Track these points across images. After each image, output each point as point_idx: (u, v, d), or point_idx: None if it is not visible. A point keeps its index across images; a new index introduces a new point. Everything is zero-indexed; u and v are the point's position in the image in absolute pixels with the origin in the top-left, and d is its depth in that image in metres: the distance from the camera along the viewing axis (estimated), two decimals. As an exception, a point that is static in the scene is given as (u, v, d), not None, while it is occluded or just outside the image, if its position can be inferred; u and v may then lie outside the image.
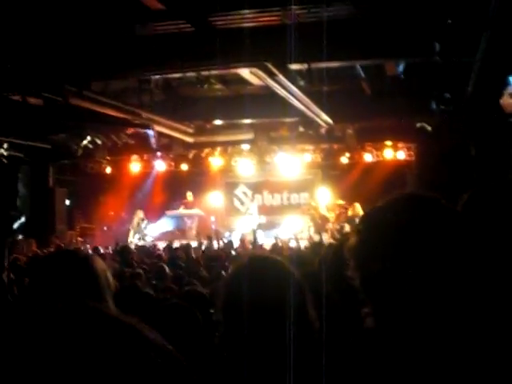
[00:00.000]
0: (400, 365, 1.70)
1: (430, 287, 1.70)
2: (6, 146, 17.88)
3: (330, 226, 19.51)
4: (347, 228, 17.58)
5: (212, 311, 4.34)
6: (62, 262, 2.56)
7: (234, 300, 2.22)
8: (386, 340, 1.75)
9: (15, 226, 17.85)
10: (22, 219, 18.46)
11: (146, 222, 20.81)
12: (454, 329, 1.67)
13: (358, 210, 19.24)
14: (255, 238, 15.82)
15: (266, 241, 16.86)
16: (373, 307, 1.78)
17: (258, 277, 2.23)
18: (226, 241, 16.40)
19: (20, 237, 17.51)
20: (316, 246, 10.28)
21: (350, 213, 19.45)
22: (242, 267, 2.31)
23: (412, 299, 1.71)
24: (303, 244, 14.77)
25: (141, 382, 1.00)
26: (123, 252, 11.14)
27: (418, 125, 16.83)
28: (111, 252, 13.36)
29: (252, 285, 2.19)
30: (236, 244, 15.60)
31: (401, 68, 13.51)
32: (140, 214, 20.86)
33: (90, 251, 13.37)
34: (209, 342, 3.41)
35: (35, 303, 2.40)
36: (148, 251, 13.71)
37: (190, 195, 21.78)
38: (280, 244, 14.92)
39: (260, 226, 20.40)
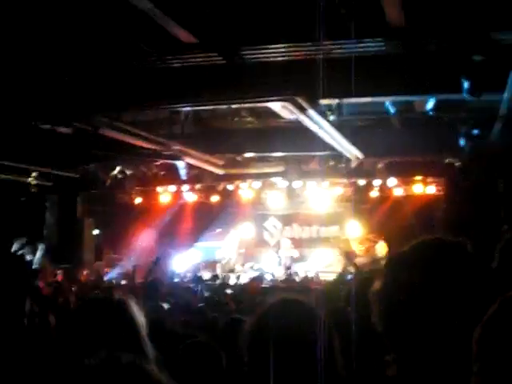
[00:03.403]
0: None
1: (455, 336, 1.66)
2: (34, 174, 18.00)
3: (359, 260, 19.40)
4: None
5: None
6: (99, 311, 2.57)
7: (259, 344, 2.17)
8: None
9: (37, 255, 17.92)
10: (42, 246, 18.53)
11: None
12: (479, 380, 1.62)
13: (378, 251, 19.26)
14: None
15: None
16: (396, 355, 1.75)
17: (284, 321, 2.18)
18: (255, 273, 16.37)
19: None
20: (342, 280, 10.20)
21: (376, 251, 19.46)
22: (269, 310, 2.26)
23: (436, 348, 1.67)
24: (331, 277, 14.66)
25: None
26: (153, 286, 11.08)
27: (447, 160, 16.76)
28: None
29: (278, 329, 2.14)
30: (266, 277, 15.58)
31: (430, 104, 13.48)
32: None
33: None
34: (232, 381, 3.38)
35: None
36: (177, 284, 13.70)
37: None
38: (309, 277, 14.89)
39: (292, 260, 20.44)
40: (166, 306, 7.67)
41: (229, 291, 11.80)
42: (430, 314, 1.68)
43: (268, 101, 11.85)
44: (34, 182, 18.29)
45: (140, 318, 2.59)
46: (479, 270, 1.76)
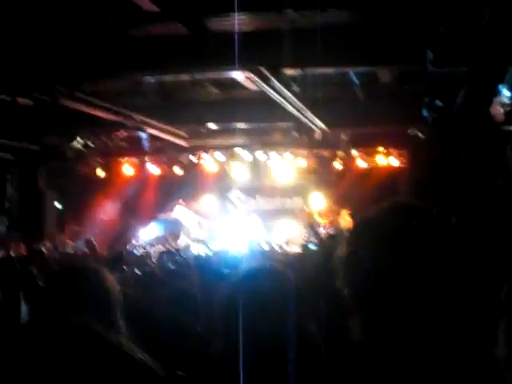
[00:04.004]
0: (387, 376, 1.66)
1: (420, 299, 1.66)
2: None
3: (322, 231, 19.47)
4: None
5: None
6: (74, 279, 2.52)
7: (234, 311, 2.15)
8: (373, 352, 1.72)
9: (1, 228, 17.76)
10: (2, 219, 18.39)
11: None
12: (444, 342, 1.63)
13: (341, 223, 19.32)
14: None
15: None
16: (361, 318, 1.75)
17: (263, 288, 2.17)
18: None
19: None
20: (307, 252, 10.23)
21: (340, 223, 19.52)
22: (248, 276, 2.25)
23: (402, 311, 1.67)
24: (296, 249, 14.70)
25: None
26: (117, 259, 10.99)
27: (410, 132, 16.87)
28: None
29: (257, 296, 2.13)
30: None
31: (394, 75, 13.51)
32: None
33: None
34: (202, 351, 3.36)
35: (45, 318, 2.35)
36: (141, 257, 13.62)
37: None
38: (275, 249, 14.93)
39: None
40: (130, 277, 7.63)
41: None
42: (396, 276, 1.68)
43: (231, 70, 11.79)
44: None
45: (115, 289, 2.54)
46: (445, 232, 1.76)
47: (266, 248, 15.69)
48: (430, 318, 1.66)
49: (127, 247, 14.09)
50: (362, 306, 1.74)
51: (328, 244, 7.36)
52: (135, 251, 14.56)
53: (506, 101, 12.07)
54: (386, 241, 1.72)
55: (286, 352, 2.05)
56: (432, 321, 1.66)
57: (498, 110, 12.03)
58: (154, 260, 12.43)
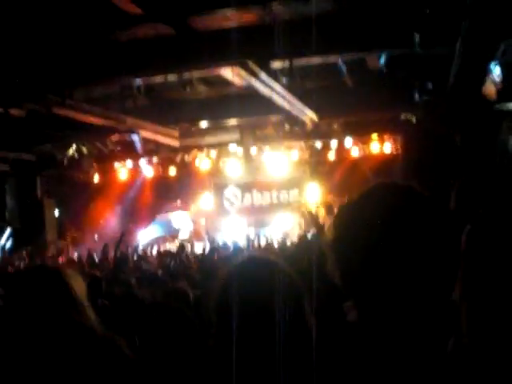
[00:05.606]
0: (383, 357, 1.67)
1: (407, 277, 1.67)
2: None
3: (319, 221, 19.42)
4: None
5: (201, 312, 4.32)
6: (34, 279, 2.60)
7: (228, 301, 2.16)
8: (368, 333, 1.73)
9: (3, 238, 17.76)
10: (8, 230, 18.38)
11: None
12: (434, 320, 1.64)
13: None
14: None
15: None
16: (354, 301, 1.76)
17: (254, 278, 2.17)
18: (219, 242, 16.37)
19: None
20: (304, 243, 10.24)
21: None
22: (239, 268, 2.25)
23: (391, 290, 1.68)
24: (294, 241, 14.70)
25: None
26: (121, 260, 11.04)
27: (403, 116, 16.83)
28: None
29: (248, 286, 2.14)
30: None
31: (382, 60, 13.47)
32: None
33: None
34: (202, 342, 3.38)
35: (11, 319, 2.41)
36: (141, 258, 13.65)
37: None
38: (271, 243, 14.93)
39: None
40: (133, 280, 7.66)
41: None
42: (382, 257, 1.68)
43: (219, 67, 11.79)
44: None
45: (79, 286, 2.64)
46: (433, 211, 1.76)
47: (264, 242, 15.69)
48: (421, 298, 1.67)
49: (128, 249, 14.09)
50: (352, 289, 1.75)
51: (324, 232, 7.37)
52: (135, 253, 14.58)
53: (498, 79, 12.06)
54: (371, 222, 1.72)
55: (278, 339, 2.07)
56: (423, 301, 1.67)
57: (490, 89, 12.01)
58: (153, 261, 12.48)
